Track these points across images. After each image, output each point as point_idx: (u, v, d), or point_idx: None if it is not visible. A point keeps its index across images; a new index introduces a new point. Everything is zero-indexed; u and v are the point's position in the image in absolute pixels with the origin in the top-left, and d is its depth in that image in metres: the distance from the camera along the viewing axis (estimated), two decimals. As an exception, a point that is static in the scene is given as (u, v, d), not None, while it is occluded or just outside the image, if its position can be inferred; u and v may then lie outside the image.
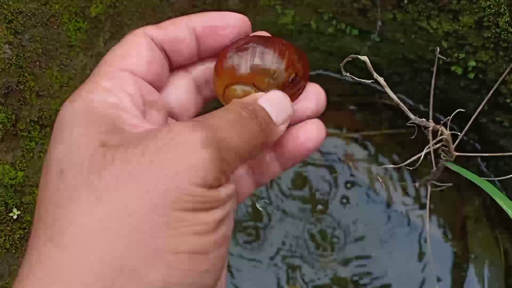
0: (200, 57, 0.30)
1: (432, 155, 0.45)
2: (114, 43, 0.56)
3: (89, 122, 0.23)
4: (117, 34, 0.56)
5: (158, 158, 0.22)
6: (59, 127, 0.24)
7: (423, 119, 0.37)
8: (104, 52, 0.55)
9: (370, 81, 0.37)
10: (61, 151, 0.23)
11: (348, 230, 0.71)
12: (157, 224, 0.21)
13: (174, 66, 0.30)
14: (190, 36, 0.28)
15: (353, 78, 0.37)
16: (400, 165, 0.39)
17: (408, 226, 0.71)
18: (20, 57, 0.44)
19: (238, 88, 0.29)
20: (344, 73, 0.37)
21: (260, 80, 0.29)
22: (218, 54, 0.30)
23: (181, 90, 0.30)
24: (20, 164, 0.45)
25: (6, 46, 0.43)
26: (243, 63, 0.29)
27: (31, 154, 0.46)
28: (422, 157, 0.37)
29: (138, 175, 0.21)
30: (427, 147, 0.37)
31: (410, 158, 0.41)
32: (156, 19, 0.60)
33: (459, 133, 0.39)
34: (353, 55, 0.35)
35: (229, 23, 0.29)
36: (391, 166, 0.39)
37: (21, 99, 0.45)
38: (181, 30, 0.28)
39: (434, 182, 0.49)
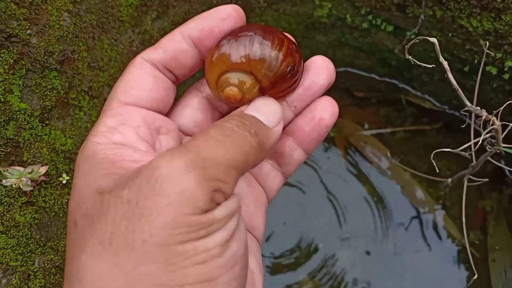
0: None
1: (473, 147, 0.45)
2: (160, 23, 0.57)
3: (90, 169, 0.24)
4: (163, 14, 0.56)
5: (143, 198, 0.22)
6: (74, 179, 0.26)
7: (478, 107, 0.38)
8: (150, 30, 0.55)
9: (431, 66, 0.37)
10: (74, 203, 0.24)
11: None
12: (157, 263, 0.21)
13: (182, 79, 0.30)
14: (189, 46, 0.28)
15: (415, 62, 0.38)
16: (457, 150, 0.40)
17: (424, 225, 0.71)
18: (77, 26, 0.45)
19: (233, 76, 0.28)
20: (407, 55, 0.37)
21: (257, 68, 0.27)
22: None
23: (195, 110, 0.31)
24: (69, 132, 0.46)
25: (66, 14, 0.44)
26: (241, 49, 0.27)
27: (80, 123, 0.47)
28: (472, 143, 0.38)
29: (130, 218, 0.22)
30: (483, 134, 0.37)
31: (431, 157, 0.42)
32: (199, 3, 0.61)
33: (509, 124, 0.40)
34: (421, 37, 0.36)
35: (223, 18, 0.28)
36: (448, 150, 0.39)
37: (75, 68, 0.45)
38: (178, 44, 0.28)
39: (471, 177, 0.50)
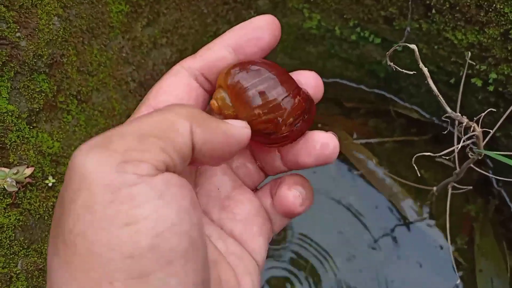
0: None
1: (456, 155, 0.46)
2: (151, 30, 0.58)
3: None
4: (153, 22, 0.57)
5: (65, 192, 0.21)
6: None
7: (458, 113, 0.39)
8: (140, 37, 0.56)
9: (412, 72, 0.38)
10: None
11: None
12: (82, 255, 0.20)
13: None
14: (229, 53, 0.28)
15: (396, 68, 0.39)
16: (437, 154, 0.40)
17: (409, 232, 0.72)
18: (67, 30, 0.45)
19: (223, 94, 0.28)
20: (388, 62, 0.38)
21: (243, 110, 0.27)
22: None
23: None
24: (57, 135, 0.46)
25: (56, 18, 0.44)
26: (254, 89, 0.27)
27: (67, 127, 0.47)
28: (455, 150, 0.39)
29: (61, 213, 0.21)
30: (462, 139, 0.38)
31: (412, 161, 0.42)
32: (190, 11, 0.62)
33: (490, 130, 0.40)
34: (402, 43, 0.37)
35: (260, 27, 0.28)
36: (428, 154, 0.40)
37: (63, 71, 0.46)
38: (218, 51, 0.28)
39: (455, 185, 0.51)
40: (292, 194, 0.29)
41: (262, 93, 0.27)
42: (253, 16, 0.70)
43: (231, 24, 0.68)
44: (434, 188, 0.55)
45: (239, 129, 0.26)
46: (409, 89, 0.77)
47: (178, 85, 0.28)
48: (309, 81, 0.30)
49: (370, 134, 0.81)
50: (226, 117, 0.28)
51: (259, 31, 0.28)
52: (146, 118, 0.22)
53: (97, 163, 0.20)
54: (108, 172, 0.20)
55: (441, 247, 0.71)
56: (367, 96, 0.82)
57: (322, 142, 0.28)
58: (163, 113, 0.23)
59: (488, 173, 0.74)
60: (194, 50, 0.67)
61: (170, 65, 0.62)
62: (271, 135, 0.28)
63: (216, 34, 0.67)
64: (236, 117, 0.28)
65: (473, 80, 0.63)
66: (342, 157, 0.78)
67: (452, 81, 0.67)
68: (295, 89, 0.28)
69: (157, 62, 0.60)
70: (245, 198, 0.31)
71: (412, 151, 0.79)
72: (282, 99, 0.27)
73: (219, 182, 0.30)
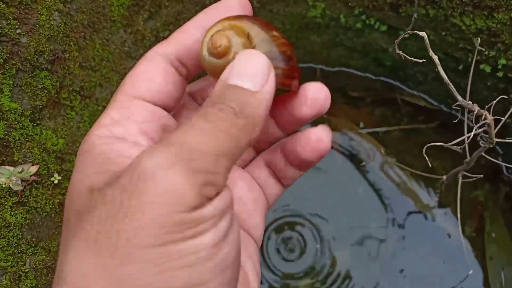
0: None
1: (466, 141, 0.45)
2: (153, 23, 0.57)
3: (86, 164, 0.24)
4: (155, 14, 0.56)
5: (127, 198, 0.21)
6: (73, 171, 0.25)
7: (469, 102, 0.38)
8: (142, 30, 0.55)
9: (421, 60, 0.37)
10: (68, 198, 0.24)
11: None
12: (141, 264, 0.20)
13: (194, 74, 0.29)
14: (202, 36, 0.27)
15: (405, 57, 0.38)
16: (449, 144, 0.40)
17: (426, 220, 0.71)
18: (68, 26, 0.45)
19: (229, 34, 0.26)
20: (397, 50, 0.37)
21: (258, 33, 0.26)
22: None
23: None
24: (61, 132, 0.45)
25: (56, 13, 0.44)
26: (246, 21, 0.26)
27: (71, 123, 0.47)
28: (465, 138, 0.38)
29: (115, 217, 0.21)
30: (475, 128, 0.37)
31: (423, 151, 0.41)
32: (192, 3, 0.61)
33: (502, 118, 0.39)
34: (410, 31, 0.36)
35: (231, 7, 0.27)
36: (439, 143, 0.39)
37: (66, 67, 0.45)
38: (191, 35, 0.27)
39: (466, 173, 0.50)
40: (319, 128, 0.29)
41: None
42: (257, 7, 0.68)
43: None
44: (444, 177, 0.54)
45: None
46: (416, 76, 0.76)
47: (155, 71, 0.26)
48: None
49: (377, 123, 0.80)
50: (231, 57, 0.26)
51: (230, 10, 0.27)
52: (216, 133, 0.22)
53: (181, 182, 0.20)
54: (189, 193, 0.21)
55: (450, 236, 0.71)
56: (373, 84, 0.81)
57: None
58: (228, 130, 0.23)
59: (498, 160, 0.73)
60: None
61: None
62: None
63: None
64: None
65: (481, 66, 0.62)
66: (348, 147, 0.77)
67: (460, 67, 0.66)
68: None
69: (160, 55, 0.60)
70: (236, 175, 0.31)
71: (420, 139, 0.78)
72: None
73: None
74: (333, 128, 0.78)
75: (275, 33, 0.26)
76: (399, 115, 0.80)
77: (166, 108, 0.28)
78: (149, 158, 0.21)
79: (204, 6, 0.64)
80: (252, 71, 0.24)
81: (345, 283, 0.68)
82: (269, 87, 0.24)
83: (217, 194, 0.22)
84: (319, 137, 0.28)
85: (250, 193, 0.31)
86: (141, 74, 0.26)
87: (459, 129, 0.74)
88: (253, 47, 0.26)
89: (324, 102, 0.28)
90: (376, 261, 0.69)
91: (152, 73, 0.26)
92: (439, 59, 0.69)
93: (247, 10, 0.28)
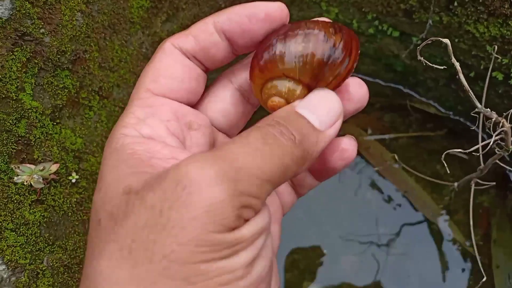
0: (236, 55, 0.28)
1: (480, 150, 0.46)
2: (170, 25, 0.57)
3: (118, 163, 0.23)
4: (172, 17, 0.57)
5: (167, 208, 0.20)
6: (100, 171, 0.24)
7: (488, 109, 0.38)
8: (160, 33, 0.56)
9: (442, 67, 0.37)
10: (99, 199, 0.23)
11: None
12: (177, 281, 0.20)
13: (212, 69, 0.28)
14: (221, 39, 0.26)
15: (426, 63, 0.38)
16: (467, 151, 0.40)
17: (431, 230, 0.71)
18: (89, 26, 0.45)
19: (274, 84, 0.25)
20: (419, 56, 0.38)
21: (290, 69, 0.24)
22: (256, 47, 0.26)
23: (226, 103, 0.28)
24: (79, 131, 0.46)
25: (79, 14, 0.44)
26: (267, 56, 0.25)
27: (89, 123, 0.47)
28: (480, 146, 0.38)
29: (153, 227, 0.20)
30: (494, 136, 0.38)
31: (442, 157, 0.42)
32: (208, 6, 0.61)
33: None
34: (434, 38, 0.36)
35: (259, 16, 0.25)
36: (457, 150, 0.39)
37: (86, 68, 0.46)
38: (210, 36, 0.26)
39: (478, 181, 0.50)
40: (345, 138, 0.29)
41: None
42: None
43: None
44: (455, 184, 0.55)
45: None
46: (426, 83, 0.76)
47: (175, 66, 0.26)
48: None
49: (386, 129, 0.80)
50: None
51: (256, 23, 0.25)
52: (271, 158, 0.22)
53: (224, 201, 0.20)
54: (230, 214, 0.20)
55: (458, 243, 0.71)
56: (383, 90, 0.81)
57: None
58: (282, 158, 0.22)
59: (506, 169, 0.73)
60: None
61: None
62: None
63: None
64: (310, 88, 0.26)
65: (494, 73, 0.62)
66: (357, 153, 0.78)
67: (471, 74, 0.66)
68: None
69: (175, 57, 0.60)
70: None
71: (428, 146, 0.79)
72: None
73: None
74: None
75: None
76: (408, 122, 0.80)
77: (189, 103, 0.27)
78: (198, 169, 0.20)
79: (219, 9, 0.64)
80: (323, 112, 0.24)
81: (352, 288, 0.68)
82: (333, 131, 0.25)
83: (255, 215, 0.22)
84: (345, 147, 0.28)
85: (271, 206, 0.30)
86: (162, 70, 0.26)
87: (467, 137, 0.74)
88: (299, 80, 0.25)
89: (363, 97, 0.28)
90: (382, 267, 0.69)
91: (173, 69, 0.26)
92: (451, 65, 0.69)
93: (284, 19, 0.26)
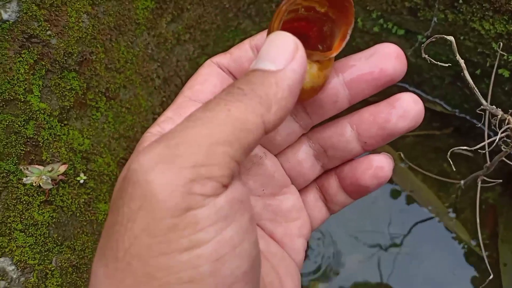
0: None
1: (486, 147, 0.45)
2: (175, 26, 0.57)
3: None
4: (177, 18, 0.57)
5: (121, 204, 0.19)
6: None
7: (493, 106, 0.38)
8: (165, 33, 0.56)
9: (447, 65, 0.37)
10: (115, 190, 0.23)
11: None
12: (139, 277, 0.19)
13: None
14: (253, 55, 0.27)
15: (431, 61, 0.38)
16: (473, 148, 0.40)
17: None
18: (95, 28, 0.46)
19: None
20: (423, 54, 0.38)
21: None
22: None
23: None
24: (87, 132, 0.46)
25: (85, 15, 0.44)
26: None
27: (97, 124, 0.47)
28: (486, 143, 0.38)
29: (113, 226, 0.20)
30: (499, 133, 0.38)
31: (448, 155, 0.42)
32: (213, 6, 0.61)
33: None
34: (438, 35, 0.36)
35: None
36: (463, 148, 0.39)
37: (92, 69, 0.46)
38: (245, 51, 0.27)
39: (485, 178, 0.50)
40: (381, 156, 0.28)
41: None
42: (274, 10, 0.69)
43: (251, 19, 0.68)
44: (462, 182, 0.54)
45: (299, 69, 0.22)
46: (432, 81, 0.76)
47: (211, 76, 0.27)
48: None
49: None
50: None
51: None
52: (212, 119, 0.19)
53: (163, 183, 0.18)
54: (174, 194, 0.18)
55: (465, 241, 0.70)
56: (389, 89, 0.81)
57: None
58: (230, 112, 0.20)
59: (514, 165, 0.73)
60: (215, 45, 0.66)
61: (193, 61, 0.62)
62: None
63: (237, 29, 0.66)
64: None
65: (500, 71, 0.62)
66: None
67: (477, 72, 0.66)
68: None
69: (181, 58, 0.60)
70: (288, 198, 0.30)
71: (434, 144, 0.78)
72: None
73: (265, 182, 0.29)
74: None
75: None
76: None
77: None
78: (135, 161, 0.19)
79: (224, 9, 0.65)
80: (275, 52, 0.22)
81: None
82: (295, 65, 0.22)
83: (221, 189, 0.19)
84: (380, 164, 0.27)
85: (298, 220, 0.30)
86: (199, 79, 0.27)
87: (473, 135, 0.74)
88: None
89: (418, 114, 0.27)
90: (389, 266, 0.69)
91: (208, 77, 0.27)
92: (456, 63, 0.69)
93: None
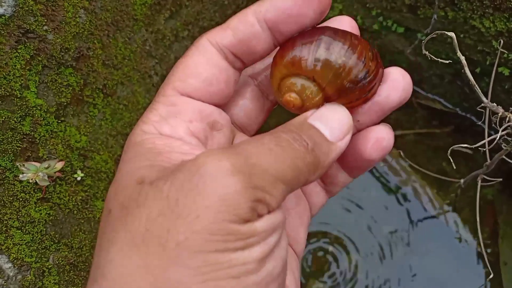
0: (277, 46, 0.26)
1: (487, 145, 0.45)
2: (173, 22, 0.57)
3: (135, 156, 0.23)
4: (175, 14, 0.57)
5: (183, 196, 0.20)
6: (119, 163, 0.24)
7: (494, 104, 0.38)
8: (163, 30, 0.55)
9: (448, 61, 0.37)
10: (113, 190, 0.23)
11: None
12: (189, 269, 0.19)
13: (249, 65, 0.27)
14: (262, 30, 0.25)
15: (431, 57, 0.38)
16: (472, 146, 0.40)
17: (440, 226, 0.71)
18: (93, 23, 0.45)
19: (297, 82, 0.25)
20: (424, 50, 0.37)
21: (322, 75, 0.25)
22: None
23: (246, 99, 0.29)
24: (84, 129, 0.46)
25: (82, 11, 0.44)
26: (306, 54, 0.24)
27: (94, 121, 0.47)
28: (486, 142, 0.38)
29: (167, 215, 0.20)
30: (500, 130, 0.37)
31: (448, 153, 0.41)
32: (211, 3, 0.61)
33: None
34: (439, 31, 0.36)
35: (308, 4, 0.24)
36: (463, 146, 0.39)
37: (90, 65, 0.46)
38: (251, 26, 0.24)
39: (485, 177, 0.50)
40: (381, 126, 0.28)
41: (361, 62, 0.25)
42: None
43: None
44: (462, 180, 0.54)
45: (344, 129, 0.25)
46: (431, 79, 0.75)
47: (207, 66, 0.25)
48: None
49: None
50: (307, 108, 0.26)
51: (301, 5, 0.24)
52: (282, 157, 0.22)
53: (237, 191, 0.20)
54: (243, 205, 0.20)
55: (465, 240, 0.70)
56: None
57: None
58: (295, 160, 0.22)
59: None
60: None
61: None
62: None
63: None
64: (329, 99, 0.26)
65: (500, 69, 0.62)
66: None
67: (477, 70, 0.65)
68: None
69: (179, 55, 0.60)
70: None
71: (434, 143, 0.78)
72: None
73: None
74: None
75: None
76: (414, 119, 0.80)
77: (216, 104, 0.26)
78: (215, 160, 0.20)
79: (223, 6, 0.64)
80: (334, 124, 0.25)
81: (357, 287, 0.67)
82: (343, 144, 0.25)
83: (269, 213, 0.22)
84: (381, 135, 0.27)
85: (298, 207, 0.30)
86: (192, 69, 0.25)
87: (473, 133, 0.73)
88: (324, 87, 0.25)
89: (407, 85, 0.28)
90: (388, 265, 0.69)
91: (203, 69, 0.25)
92: (456, 61, 0.68)
93: (326, 5, 0.25)
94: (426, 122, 0.79)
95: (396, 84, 0.27)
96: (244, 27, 0.24)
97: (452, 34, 0.34)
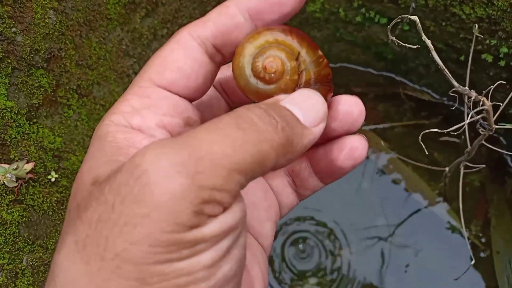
0: None
1: (467, 133, 0.45)
2: (150, 20, 0.57)
3: (96, 151, 0.22)
4: (152, 12, 0.56)
5: (119, 202, 0.18)
6: (83, 160, 0.23)
7: (466, 87, 0.37)
8: (140, 28, 0.55)
9: (415, 46, 0.36)
10: (73, 189, 0.22)
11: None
12: (129, 281, 0.18)
13: (228, 59, 0.26)
14: (245, 20, 0.24)
15: (399, 43, 0.37)
16: (445, 131, 0.39)
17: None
18: (63, 24, 0.45)
19: (276, 51, 0.24)
20: (390, 37, 0.37)
21: (308, 53, 0.24)
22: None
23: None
24: (58, 130, 0.45)
25: (51, 11, 0.44)
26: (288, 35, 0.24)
27: (69, 122, 0.47)
28: (465, 127, 0.37)
29: (106, 222, 0.19)
30: (471, 113, 0.37)
31: (419, 138, 0.41)
32: (190, 0, 0.61)
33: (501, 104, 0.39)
34: (403, 16, 0.35)
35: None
36: (436, 130, 0.38)
37: (62, 66, 0.45)
38: (232, 17, 0.24)
39: (468, 164, 0.49)
40: (355, 137, 0.27)
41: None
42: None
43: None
44: (447, 169, 0.54)
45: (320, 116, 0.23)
46: (418, 70, 0.75)
47: (187, 60, 0.24)
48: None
49: (380, 119, 0.80)
50: (284, 90, 0.24)
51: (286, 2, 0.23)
52: (240, 141, 0.19)
53: (179, 198, 0.18)
54: (187, 212, 0.18)
55: (457, 230, 0.70)
56: (376, 79, 0.81)
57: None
58: (259, 144, 0.20)
59: (503, 152, 0.72)
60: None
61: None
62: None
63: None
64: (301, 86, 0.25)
65: (483, 56, 0.61)
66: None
67: (461, 58, 0.65)
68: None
69: (159, 53, 0.60)
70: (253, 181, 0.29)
71: (423, 134, 0.78)
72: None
73: None
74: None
75: (319, 52, 0.25)
76: (403, 110, 0.79)
77: (191, 99, 0.25)
78: (154, 160, 0.18)
79: (201, 3, 0.64)
80: (308, 109, 0.23)
81: (351, 280, 0.67)
82: (317, 131, 0.23)
83: (224, 210, 0.20)
84: (354, 145, 0.26)
85: (264, 202, 0.29)
86: (170, 62, 0.24)
87: (461, 123, 0.73)
88: (301, 71, 0.24)
89: (357, 117, 0.26)
90: (381, 256, 0.68)
91: (182, 63, 0.24)
92: (440, 50, 0.68)
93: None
94: (414, 114, 0.78)
95: (336, 114, 0.26)
96: (225, 18, 0.24)
97: (415, 17, 0.34)
